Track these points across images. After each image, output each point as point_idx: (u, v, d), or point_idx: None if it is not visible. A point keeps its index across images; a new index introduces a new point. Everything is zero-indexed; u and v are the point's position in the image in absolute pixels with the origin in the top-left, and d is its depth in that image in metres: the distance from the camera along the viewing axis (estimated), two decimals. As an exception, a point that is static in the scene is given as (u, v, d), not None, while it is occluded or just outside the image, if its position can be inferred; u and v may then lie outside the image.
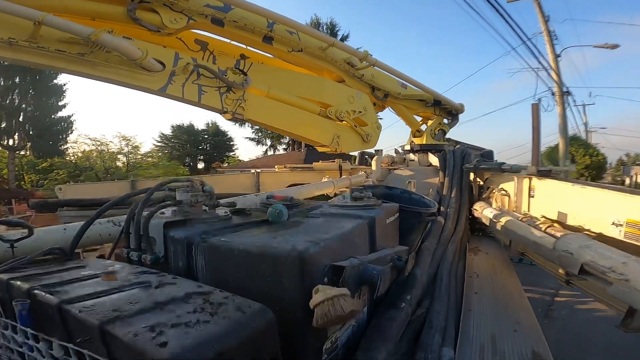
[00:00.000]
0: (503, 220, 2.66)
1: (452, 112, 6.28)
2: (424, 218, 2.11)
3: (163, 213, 1.42)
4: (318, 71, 4.45)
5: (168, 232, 1.29)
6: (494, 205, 3.75)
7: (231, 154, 43.97)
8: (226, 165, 39.47)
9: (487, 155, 5.05)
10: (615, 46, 14.02)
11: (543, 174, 2.91)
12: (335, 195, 3.71)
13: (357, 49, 4.58)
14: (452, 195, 4.03)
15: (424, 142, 6.14)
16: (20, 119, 23.93)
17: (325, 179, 3.73)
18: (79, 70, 2.73)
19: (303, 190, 3.12)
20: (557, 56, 11.68)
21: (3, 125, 23.74)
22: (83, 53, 2.59)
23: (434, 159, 5.24)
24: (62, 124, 26.12)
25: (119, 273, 1.08)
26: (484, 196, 4.02)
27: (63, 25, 2.37)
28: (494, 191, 3.79)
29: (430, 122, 6.27)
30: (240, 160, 41.14)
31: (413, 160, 6.39)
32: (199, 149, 42.68)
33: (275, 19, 3.65)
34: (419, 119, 6.50)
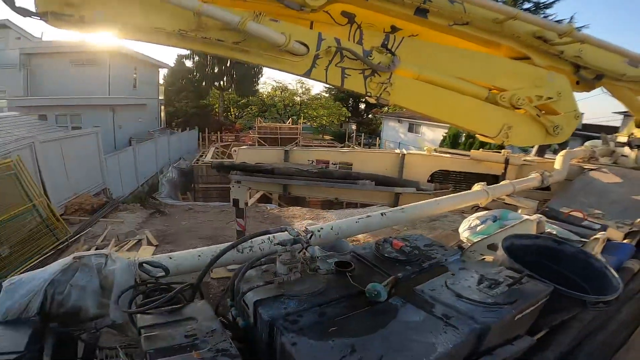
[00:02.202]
0: None
1: None
2: (588, 309, 1.42)
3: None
4: (492, 46, 3.45)
5: (257, 308, 1.31)
6: None
7: (394, 99, 43.14)
8: (385, 110, 39.22)
9: None
10: None
11: None
12: (484, 209, 3.01)
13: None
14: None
15: (656, 137, 4.27)
16: (228, 64, 29.33)
17: (478, 187, 3.01)
18: (235, 57, 2.90)
19: (444, 204, 2.60)
20: None
21: (216, 70, 29.77)
22: (238, 42, 2.70)
23: (663, 168, 3.58)
24: (255, 69, 30.73)
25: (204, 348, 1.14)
26: None
27: (217, 13, 2.46)
28: None
29: (675, 110, 4.23)
30: (401, 109, 40.01)
31: (626, 156, 4.58)
32: (363, 91, 43.49)
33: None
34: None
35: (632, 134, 4.44)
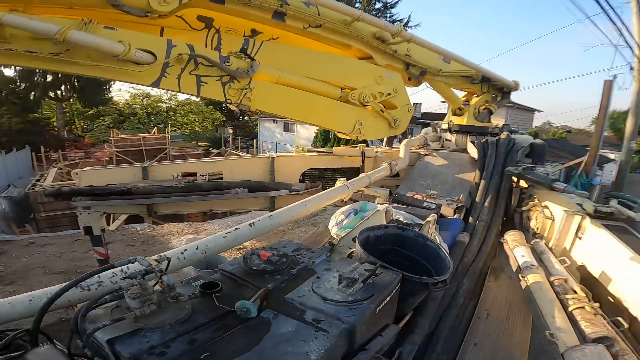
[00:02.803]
0: (530, 278, 2.19)
1: (502, 90, 5.42)
2: (430, 288, 1.72)
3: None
4: (343, 47, 3.82)
5: (114, 346, 1.15)
6: (532, 224, 3.20)
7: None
8: (260, 113, 39.46)
9: (539, 150, 4.29)
10: None
11: (601, 216, 2.33)
12: (349, 201, 3.32)
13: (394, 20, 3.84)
14: (486, 204, 3.51)
15: (465, 123, 5.43)
16: (66, 71, 24.70)
17: (339, 183, 3.31)
18: (58, 69, 2.45)
19: (311, 205, 2.75)
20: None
21: (50, 78, 24.72)
22: (57, 52, 2.26)
23: (472, 150, 4.59)
24: (105, 75, 26.84)
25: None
26: (523, 208, 3.45)
27: (24, 24, 2.03)
28: (536, 206, 3.22)
29: (474, 100, 5.47)
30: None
31: (449, 140, 5.72)
32: (236, 95, 42.53)
33: (289, -9, 3.05)
34: (461, 93, 5.73)
35: (451, 121, 5.53)
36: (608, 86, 7.89)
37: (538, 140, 4.52)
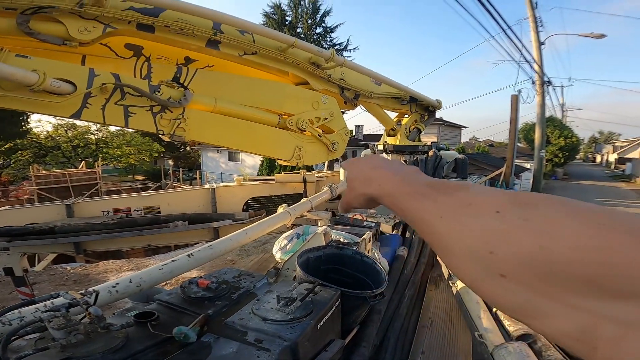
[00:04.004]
0: (458, 284, 2.37)
1: (428, 109, 5.94)
2: (369, 301, 1.79)
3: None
4: (280, 74, 3.92)
5: None
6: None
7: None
8: (201, 142, 38.24)
9: (462, 164, 4.73)
10: (601, 36, 13.61)
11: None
12: (292, 226, 3.34)
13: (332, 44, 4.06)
14: (421, 217, 3.74)
15: (398, 143, 5.82)
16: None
17: (281, 209, 3.32)
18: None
19: (252, 233, 2.72)
20: (541, 44, 11.18)
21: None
22: (-43, 82, 2.05)
23: (405, 168, 4.90)
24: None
25: None
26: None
27: None
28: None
29: (405, 120, 5.91)
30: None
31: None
32: (175, 125, 40.83)
33: (222, 20, 3.09)
34: (393, 115, 6.16)
35: (385, 141, 5.88)
36: (515, 101, 9.03)
37: (460, 156, 4.99)
